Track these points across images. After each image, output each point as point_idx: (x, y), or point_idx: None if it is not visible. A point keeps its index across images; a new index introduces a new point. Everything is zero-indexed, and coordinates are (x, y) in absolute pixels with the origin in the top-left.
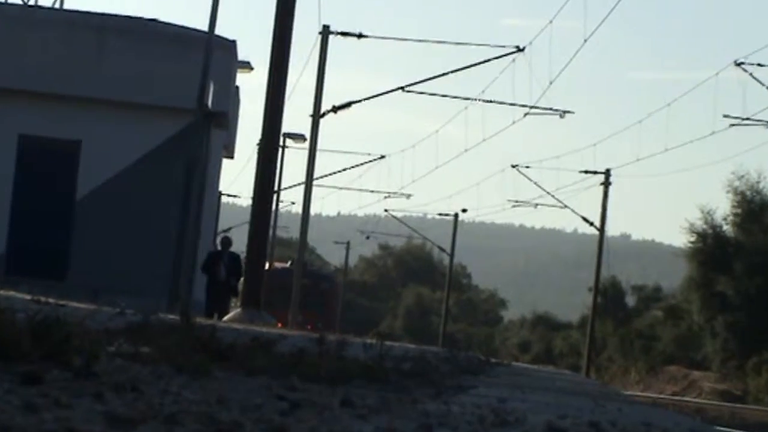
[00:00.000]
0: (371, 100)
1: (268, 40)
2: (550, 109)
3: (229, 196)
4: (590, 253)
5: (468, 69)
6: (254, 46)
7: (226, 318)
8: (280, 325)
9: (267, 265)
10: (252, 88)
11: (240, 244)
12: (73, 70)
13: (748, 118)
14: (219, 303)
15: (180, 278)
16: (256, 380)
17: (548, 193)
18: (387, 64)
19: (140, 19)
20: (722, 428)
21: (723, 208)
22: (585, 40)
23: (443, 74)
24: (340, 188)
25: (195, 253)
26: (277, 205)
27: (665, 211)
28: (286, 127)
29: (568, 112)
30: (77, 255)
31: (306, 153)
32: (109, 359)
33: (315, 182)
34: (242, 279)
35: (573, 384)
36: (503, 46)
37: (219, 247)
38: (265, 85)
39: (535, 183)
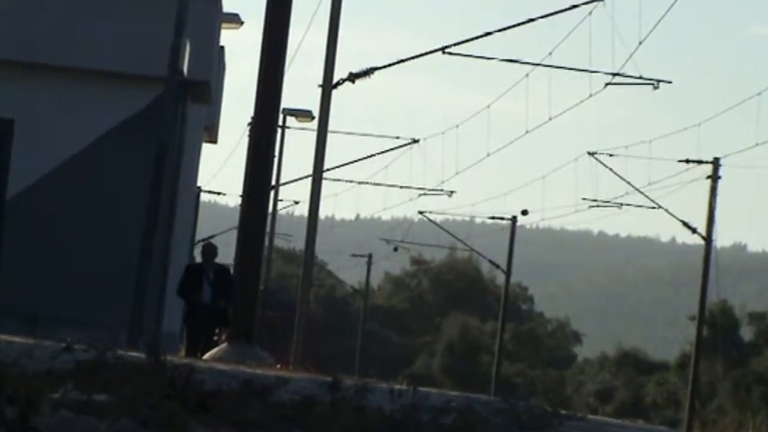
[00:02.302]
0: (400, 65)
1: None
2: (640, 77)
3: (211, 193)
4: (692, 269)
5: (530, 24)
6: None
7: (207, 356)
8: (279, 366)
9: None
10: (242, 49)
11: (226, 257)
12: (3, 28)
13: None
14: (204, 335)
15: (145, 303)
16: None
17: (637, 189)
18: (421, 18)
19: None
20: None
21: None
22: None
23: (496, 31)
24: (360, 183)
25: (165, 269)
26: (275, 205)
27: None
28: (287, 101)
29: (664, 81)
30: (6, 272)
31: (314, 136)
32: (52, 410)
33: (326, 175)
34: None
35: None
36: None
37: (200, 259)
38: (259, 46)
39: (619, 176)
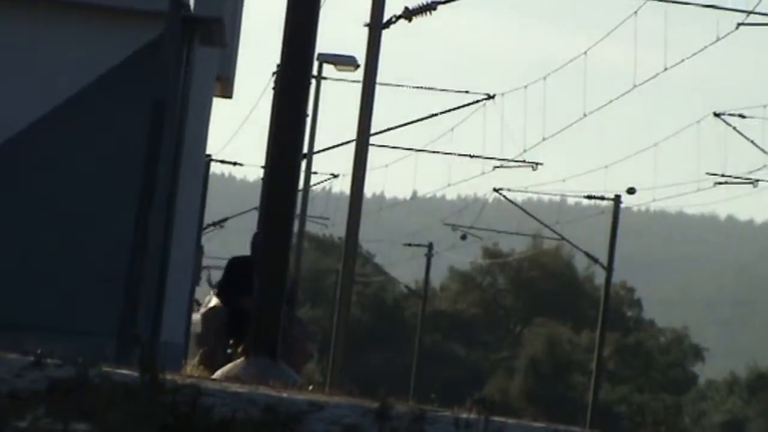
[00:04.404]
0: None
1: None
2: None
3: (225, 163)
4: None
5: None
6: None
7: (219, 373)
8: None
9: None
10: None
11: (242, 246)
12: None
13: None
14: None
15: (139, 306)
16: None
17: None
18: None
19: None
20: None
21: None
22: None
23: None
24: (418, 151)
25: (165, 262)
26: (307, 179)
27: None
28: (322, 46)
29: None
30: None
31: (358, 89)
32: None
33: (373, 140)
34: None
35: None
36: None
37: (251, 251)
38: None
39: (755, 144)
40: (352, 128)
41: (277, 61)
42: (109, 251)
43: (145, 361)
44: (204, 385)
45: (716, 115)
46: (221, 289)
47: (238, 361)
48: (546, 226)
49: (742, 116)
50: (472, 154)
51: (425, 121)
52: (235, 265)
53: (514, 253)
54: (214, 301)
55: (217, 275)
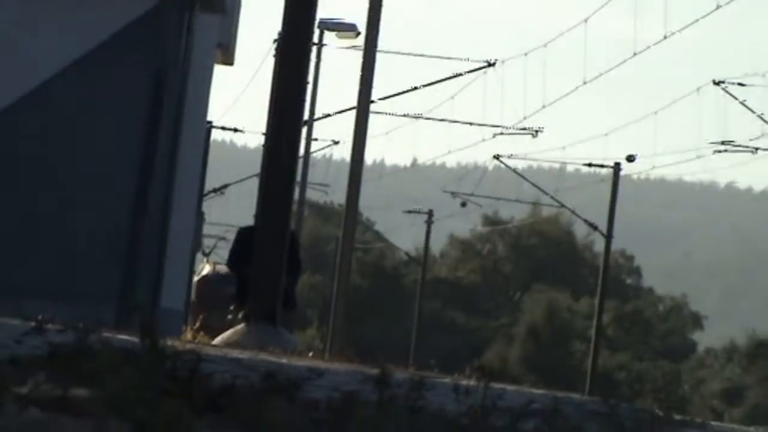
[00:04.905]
0: None
1: None
2: None
3: (225, 130)
4: None
5: None
6: None
7: (218, 340)
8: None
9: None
10: None
11: (245, 214)
12: None
13: None
14: None
15: (139, 271)
16: None
17: None
18: None
19: None
20: None
21: None
22: None
23: None
24: (418, 118)
25: (166, 228)
26: (308, 146)
27: None
28: (324, 12)
29: None
30: None
31: (359, 57)
32: (18, 408)
33: (374, 107)
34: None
35: None
36: None
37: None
38: None
39: (754, 112)
40: (352, 95)
41: (278, 28)
42: (110, 217)
43: (145, 327)
44: (204, 352)
45: (716, 83)
46: (234, 256)
47: (239, 327)
48: (546, 193)
49: (741, 84)
50: (472, 122)
51: (426, 88)
52: (243, 234)
53: (513, 221)
54: (206, 269)
55: (209, 244)
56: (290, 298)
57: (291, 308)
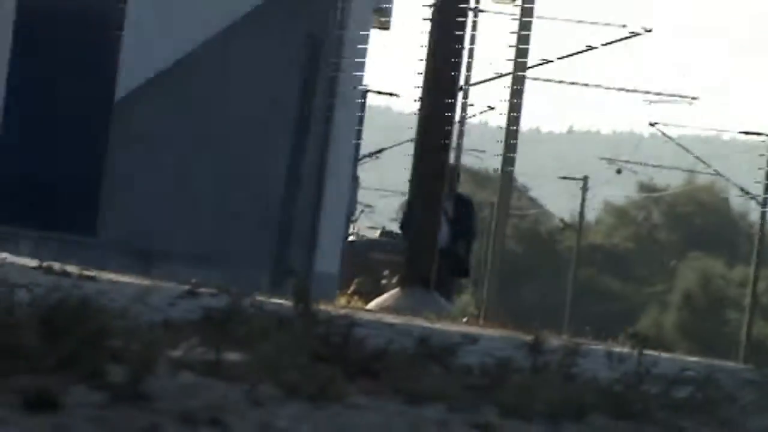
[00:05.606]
0: None
1: None
2: None
3: (382, 94)
4: None
5: None
6: None
7: (373, 304)
8: (465, 319)
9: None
10: None
11: (395, 178)
12: None
13: None
14: (437, 290)
15: (293, 236)
16: (425, 412)
17: None
18: None
19: None
20: None
21: None
22: None
23: None
24: (573, 84)
25: (320, 193)
26: (463, 111)
27: None
28: None
29: None
30: (114, 194)
31: (516, 22)
32: (171, 372)
33: (530, 73)
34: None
35: None
36: None
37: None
38: None
39: None
40: (508, 61)
41: None
42: (265, 182)
43: (298, 292)
44: (358, 316)
45: None
46: (403, 224)
47: (393, 291)
48: (702, 161)
49: None
50: (627, 89)
51: (582, 54)
52: (412, 204)
53: (669, 188)
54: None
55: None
56: (464, 265)
57: (465, 275)
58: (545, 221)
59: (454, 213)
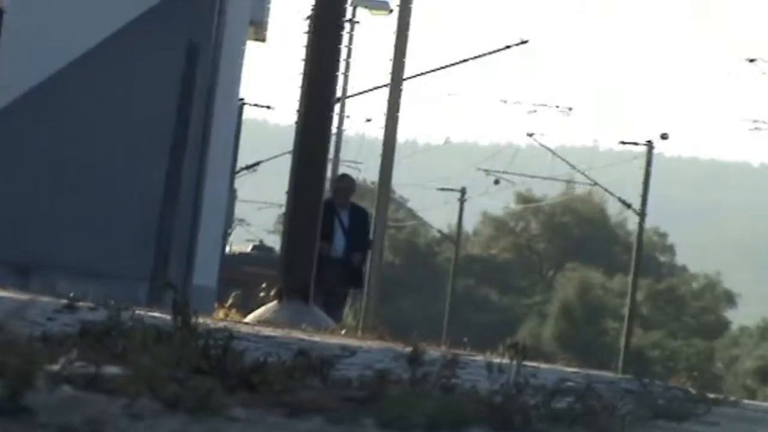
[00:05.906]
0: None
1: None
2: None
3: (258, 107)
4: None
5: None
6: None
7: (251, 317)
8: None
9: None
10: None
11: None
12: None
13: None
14: (330, 299)
15: (171, 249)
16: (304, 425)
17: None
18: None
19: None
20: None
21: None
22: None
23: None
24: (449, 96)
25: (198, 205)
26: (340, 124)
27: None
28: None
29: None
30: None
31: (392, 34)
32: (50, 386)
33: (407, 85)
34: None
35: None
36: None
37: (331, 194)
38: None
39: None
40: (385, 73)
41: (310, 3)
42: (142, 194)
43: (177, 305)
44: (236, 329)
45: (750, 60)
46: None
47: (271, 304)
48: (579, 171)
49: None
50: (506, 100)
51: (459, 65)
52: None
53: (546, 199)
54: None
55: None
56: (358, 276)
57: (358, 286)
58: (423, 233)
59: (350, 224)
